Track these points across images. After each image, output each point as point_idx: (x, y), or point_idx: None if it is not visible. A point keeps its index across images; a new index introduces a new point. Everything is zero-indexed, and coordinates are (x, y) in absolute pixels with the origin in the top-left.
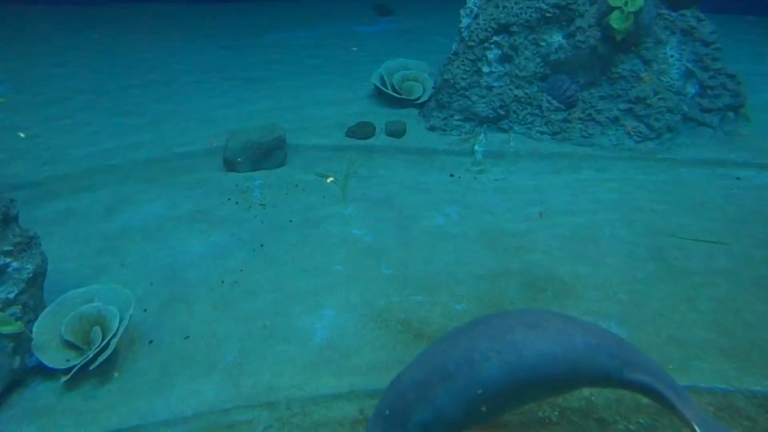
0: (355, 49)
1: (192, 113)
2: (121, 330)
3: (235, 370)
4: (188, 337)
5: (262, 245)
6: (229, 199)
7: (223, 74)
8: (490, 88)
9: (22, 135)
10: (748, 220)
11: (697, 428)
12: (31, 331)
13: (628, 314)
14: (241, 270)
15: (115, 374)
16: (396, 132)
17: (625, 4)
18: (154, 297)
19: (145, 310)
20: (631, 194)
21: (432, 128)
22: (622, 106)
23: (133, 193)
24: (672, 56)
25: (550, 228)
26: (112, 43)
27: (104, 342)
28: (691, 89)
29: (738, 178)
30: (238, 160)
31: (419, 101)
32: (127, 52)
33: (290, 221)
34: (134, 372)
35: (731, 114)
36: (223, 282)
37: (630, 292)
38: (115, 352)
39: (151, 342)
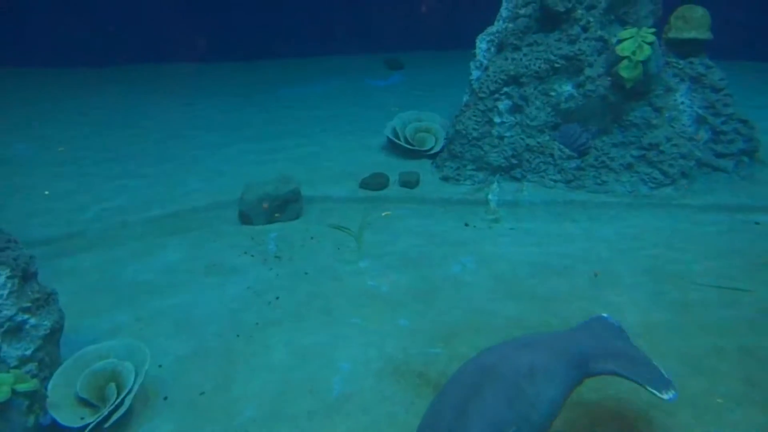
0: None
1: (207, 168)
2: (136, 386)
3: (252, 427)
4: (203, 393)
5: (277, 298)
6: (245, 252)
7: (238, 131)
8: (501, 137)
9: (46, 193)
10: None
11: (648, 388)
12: (46, 389)
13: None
14: (257, 323)
15: None
16: (409, 182)
17: (633, 53)
18: (169, 352)
19: (161, 365)
20: (649, 241)
21: (445, 178)
22: (635, 152)
23: (148, 248)
24: (683, 103)
25: (567, 275)
26: (125, 103)
27: (119, 399)
28: (704, 135)
29: (757, 223)
30: (254, 212)
31: (432, 152)
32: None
33: (306, 273)
34: (149, 430)
35: (746, 159)
36: (238, 336)
37: (653, 339)
38: (130, 409)
39: (166, 398)
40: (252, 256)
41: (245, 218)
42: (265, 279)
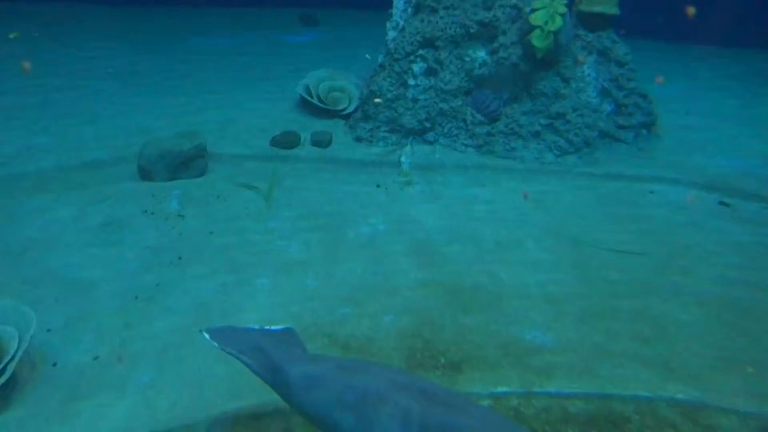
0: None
1: (104, 120)
2: (20, 353)
3: (149, 392)
4: (97, 357)
5: (180, 258)
6: (146, 210)
7: (139, 80)
8: (415, 100)
9: None
10: (660, 231)
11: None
12: None
13: (551, 323)
14: (157, 285)
15: (14, 402)
16: (321, 142)
17: (546, 23)
18: (59, 315)
19: (49, 330)
20: (553, 206)
21: (358, 139)
22: (543, 121)
23: (39, 204)
24: (589, 75)
25: (475, 238)
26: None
27: (0, 366)
28: (607, 107)
29: (652, 192)
30: (155, 168)
31: (345, 112)
32: (32, 54)
33: (211, 233)
34: (36, 399)
35: (644, 131)
36: (137, 298)
37: (554, 301)
38: (13, 377)
39: (55, 365)
40: (153, 214)
41: (145, 174)
42: (166, 238)
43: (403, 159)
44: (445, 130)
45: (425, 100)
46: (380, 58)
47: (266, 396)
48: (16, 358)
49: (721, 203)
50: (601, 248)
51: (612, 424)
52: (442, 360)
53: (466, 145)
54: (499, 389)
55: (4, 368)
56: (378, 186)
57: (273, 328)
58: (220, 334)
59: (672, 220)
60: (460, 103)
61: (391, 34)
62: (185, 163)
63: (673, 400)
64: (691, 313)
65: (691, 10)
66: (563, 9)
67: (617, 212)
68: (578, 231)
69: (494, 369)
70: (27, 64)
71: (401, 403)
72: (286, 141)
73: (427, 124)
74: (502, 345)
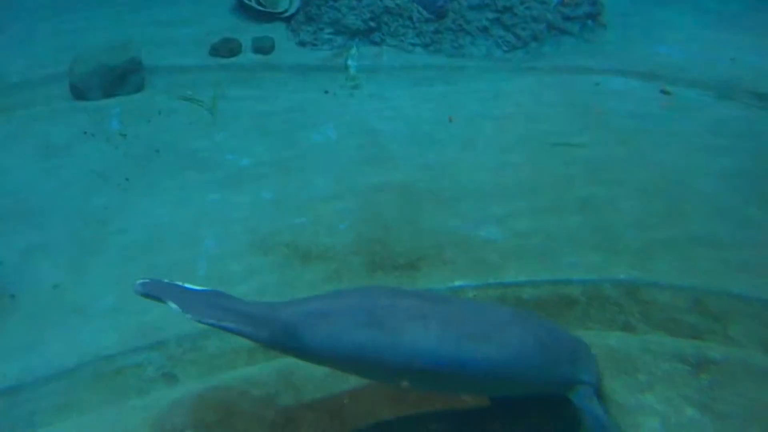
0: None
1: (24, 36)
2: None
3: (115, 315)
4: (57, 285)
5: (127, 179)
6: (84, 132)
7: None
8: None
9: None
10: (604, 122)
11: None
12: None
13: (503, 218)
14: (106, 208)
15: None
16: (264, 48)
17: None
18: (9, 247)
19: (1, 262)
20: (499, 104)
21: (302, 43)
22: (491, 15)
23: None
24: None
25: (427, 140)
26: None
27: None
28: None
29: (597, 84)
30: (88, 86)
31: (286, 14)
32: None
33: (156, 151)
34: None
35: (590, 22)
36: (87, 222)
37: (505, 196)
38: None
39: (13, 296)
40: (93, 135)
41: (78, 93)
42: (110, 159)
43: (349, 62)
44: (392, 30)
45: None
46: None
47: None
48: None
49: (662, 91)
50: (550, 143)
51: (561, 306)
52: (401, 261)
53: (414, 44)
54: (456, 283)
55: None
56: (326, 92)
57: (200, 288)
58: (171, 293)
59: (616, 111)
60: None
61: None
62: (121, 78)
63: (616, 281)
64: (634, 200)
65: None
66: None
67: (564, 106)
68: (528, 127)
69: (450, 265)
70: None
71: (411, 305)
72: (227, 49)
73: (373, 24)
74: (458, 243)
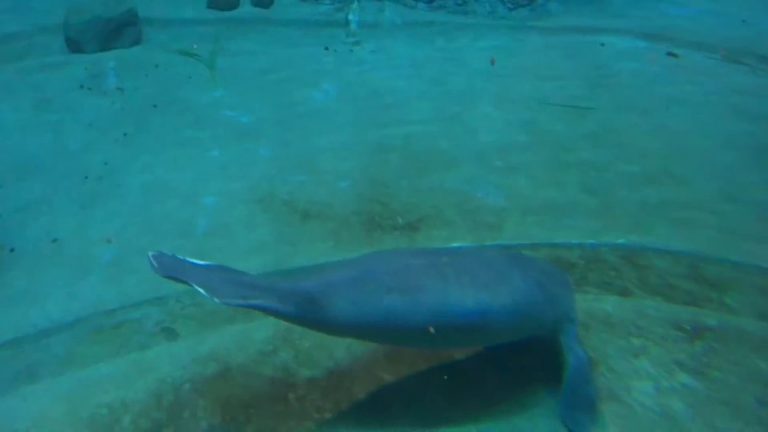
0: None
1: None
2: None
3: (115, 269)
4: (56, 240)
5: (125, 134)
6: (81, 85)
7: None
8: None
9: None
10: (609, 85)
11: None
12: None
13: (504, 180)
14: (106, 163)
15: None
16: (263, 2)
17: None
18: (8, 201)
19: (0, 216)
20: (504, 63)
21: None
22: None
23: None
24: None
25: (428, 99)
26: None
27: None
28: None
29: (602, 44)
30: (84, 38)
31: None
32: None
33: (155, 106)
34: (1, 284)
35: None
36: (87, 178)
37: (505, 157)
38: None
39: (13, 250)
40: (90, 89)
41: (74, 45)
42: (108, 114)
43: (350, 18)
44: None
45: None
46: None
47: None
48: None
49: (669, 54)
50: (554, 104)
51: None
52: (400, 221)
53: (417, 0)
54: (454, 244)
55: None
56: (326, 48)
57: (206, 263)
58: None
59: (621, 73)
60: None
61: None
62: (117, 31)
63: (614, 245)
64: (635, 164)
65: None
66: None
67: (568, 65)
68: (530, 87)
69: (449, 226)
70: None
71: (428, 264)
72: (225, 2)
73: None
74: (457, 204)
